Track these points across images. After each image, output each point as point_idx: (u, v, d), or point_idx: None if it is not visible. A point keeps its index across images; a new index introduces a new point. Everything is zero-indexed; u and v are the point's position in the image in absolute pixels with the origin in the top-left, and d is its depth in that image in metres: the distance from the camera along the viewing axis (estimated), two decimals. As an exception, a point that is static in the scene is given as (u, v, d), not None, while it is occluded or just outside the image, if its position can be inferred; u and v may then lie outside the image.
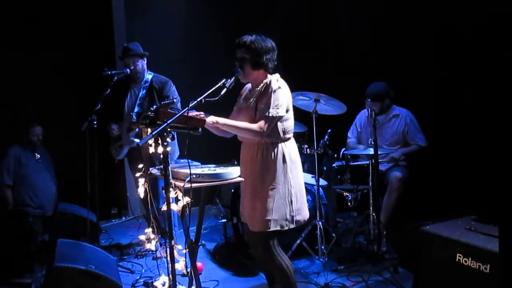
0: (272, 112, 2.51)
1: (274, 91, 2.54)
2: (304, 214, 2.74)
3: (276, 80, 2.61)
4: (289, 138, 2.67)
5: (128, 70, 3.82)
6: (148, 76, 3.95)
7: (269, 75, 2.66)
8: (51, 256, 2.95)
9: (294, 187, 2.63)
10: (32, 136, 4.36)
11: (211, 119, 2.51)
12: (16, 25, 4.79)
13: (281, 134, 2.60)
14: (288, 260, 2.72)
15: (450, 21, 3.80)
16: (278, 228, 2.59)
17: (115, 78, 3.70)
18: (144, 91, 3.89)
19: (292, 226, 2.65)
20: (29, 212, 4.23)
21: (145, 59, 3.94)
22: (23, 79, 4.78)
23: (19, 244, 4.08)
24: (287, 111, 2.60)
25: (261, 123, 2.51)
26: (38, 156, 4.41)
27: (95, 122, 3.55)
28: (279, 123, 2.57)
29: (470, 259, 2.44)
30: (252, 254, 2.99)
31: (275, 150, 2.59)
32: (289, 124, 2.64)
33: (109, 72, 3.67)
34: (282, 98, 2.56)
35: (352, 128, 4.35)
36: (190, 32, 5.60)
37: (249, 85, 2.78)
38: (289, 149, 2.64)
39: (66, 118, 4.84)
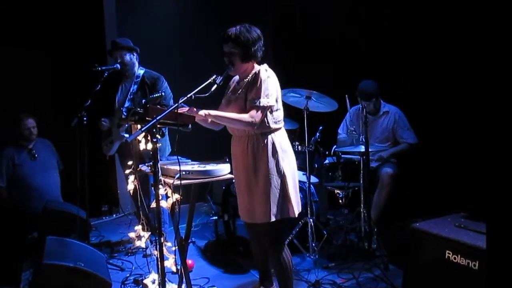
0: (263, 101, 2.50)
1: (264, 80, 2.52)
2: (299, 204, 2.73)
3: (265, 70, 2.60)
4: (279, 128, 2.65)
5: (118, 65, 3.79)
6: (140, 71, 3.93)
7: (256, 65, 2.65)
8: (40, 254, 2.92)
9: (288, 176, 2.62)
10: (24, 130, 4.24)
11: (203, 111, 2.49)
12: (4, 20, 4.74)
13: (271, 124, 2.58)
14: (290, 256, 2.73)
15: (443, 18, 3.81)
16: (279, 217, 2.58)
17: (106, 73, 3.67)
18: (136, 86, 3.87)
19: (292, 215, 2.64)
20: (26, 214, 4.17)
21: (135, 53, 3.91)
22: (11, 75, 4.74)
23: (13, 246, 4.03)
24: (276, 101, 2.59)
25: (252, 113, 2.49)
26: (35, 154, 4.31)
27: (85, 118, 3.52)
28: (268, 113, 2.56)
29: (459, 256, 2.44)
30: (245, 251, 2.98)
31: (265, 140, 2.57)
32: (278, 114, 2.63)
33: (99, 68, 3.64)
34: (272, 88, 2.54)
35: (342, 125, 4.36)
36: (182, 29, 5.57)
37: (236, 77, 2.77)
38: (280, 139, 2.63)
39: (55, 115, 4.81)
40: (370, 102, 4.00)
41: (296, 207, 2.67)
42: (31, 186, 4.24)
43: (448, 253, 2.50)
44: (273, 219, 2.56)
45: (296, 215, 2.67)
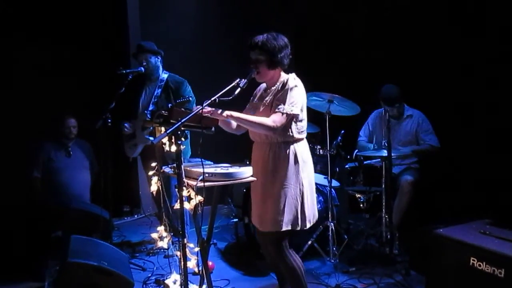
0: (287, 108, 2.50)
1: (291, 89, 2.53)
2: (314, 214, 2.74)
3: (293, 79, 2.61)
4: (301, 139, 2.65)
5: (142, 68, 3.84)
6: (164, 75, 3.98)
7: (284, 74, 2.65)
8: (65, 252, 2.98)
9: (306, 187, 2.62)
10: (65, 128, 4.43)
11: (225, 112, 2.51)
12: (30, 22, 4.86)
13: (294, 134, 2.58)
14: (300, 260, 2.71)
15: (462, 21, 3.78)
16: (289, 228, 2.59)
17: (130, 76, 3.73)
18: (160, 90, 3.92)
19: (303, 227, 2.64)
20: (51, 208, 4.27)
21: (159, 57, 3.97)
22: (36, 76, 4.85)
23: (38, 241, 4.13)
24: (301, 110, 2.59)
25: (275, 117, 2.49)
26: (71, 152, 4.47)
27: (109, 120, 3.58)
28: (292, 123, 2.57)
29: (484, 263, 2.41)
30: (263, 254, 2.99)
31: (287, 150, 2.58)
32: (302, 124, 2.63)
33: (124, 71, 3.71)
34: (298, 97, 2.55)
35: (364, 128, 4.33)
36: (205, 31, 5.62)
37: (263, 85, 2.78)
38: (301, 150, 2.63)
39: (80, 116, 4.90)
40: (394, 107, 3.97)
41: (309, 219, 2.67)
42: (59, 181, 4.38)
43: (473, 260, 2.46)
44: (284, 228, 2.56)
45: (307, 227, 2.67)
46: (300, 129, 2.61)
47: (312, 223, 2.72)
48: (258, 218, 2.71)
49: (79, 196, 4.44)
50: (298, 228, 2.62)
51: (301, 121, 2.61)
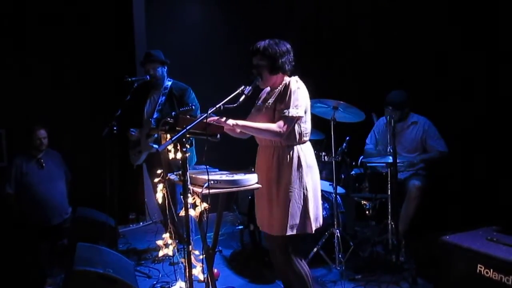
0: (292, 112, 2.50)
1: (294, 91, 2.54)
2: (318, 219, 2.72)
3: (295, 81, 2.61)
4: (305, 141, 2.65)
5: (148, 77, 3.88)
6: (168, 83, 4.00)
7: (287, 77, 2.66)
8: (71, 260, 2.99)
9: (310, 191, 2.61)
10: (35, 140, 4.33)
11: (231, 121, 2.52)
12: (36, 30, 4.91)
13: (298, 137, 2.59)
14: (307, 267, 2.69)
15: (470, 29, 3.77)
16: (295, 232, 2.58)
17: (135, 84, 3.76)
18: (164, 97, 3.94)
19: (309, 231, 2.63)
20: (32, 222, 4.23)
21: (166, 66, 4.00)
22: (42, 85, 4.89)
23: (20, 255, 4.06)
24: (305, 112, 2.60)
25: (280, 123, 2.50)
26: (43, 163, 4.37)
27: (115, 128, 3.60)
28: (296, 125, 2.57)
29: (491, 270, 2.39)
30: (271, 261, 2.97)
31: (291, 153, 2.58)
32: (306, 126, 2.63)
33: (130, 79, 3.74)
34: (301, 99, 2.55)
35: (370, 135, 4.32)
36: (209, 40, 5.66)
37: (267, 88, 2.79)
38: (305, 153, 2.63)
39: (86, 124, 4.93)
40: (397, 112, 3.95)
41: (314, 223, 2.66)
42: (36, 195, 4.29)
43: (480, 268, 2.45)
44: (289, 232, 2.56)
45: (313, 231, 2.65)
46: (303, 131, 2.61)
47: (316, 228, 2.69)
48: (266, 223, 2.70)
49: (59, 208, 4.40)
50: (303, 233, 2.61)
51: (304, 123, 2.61)
